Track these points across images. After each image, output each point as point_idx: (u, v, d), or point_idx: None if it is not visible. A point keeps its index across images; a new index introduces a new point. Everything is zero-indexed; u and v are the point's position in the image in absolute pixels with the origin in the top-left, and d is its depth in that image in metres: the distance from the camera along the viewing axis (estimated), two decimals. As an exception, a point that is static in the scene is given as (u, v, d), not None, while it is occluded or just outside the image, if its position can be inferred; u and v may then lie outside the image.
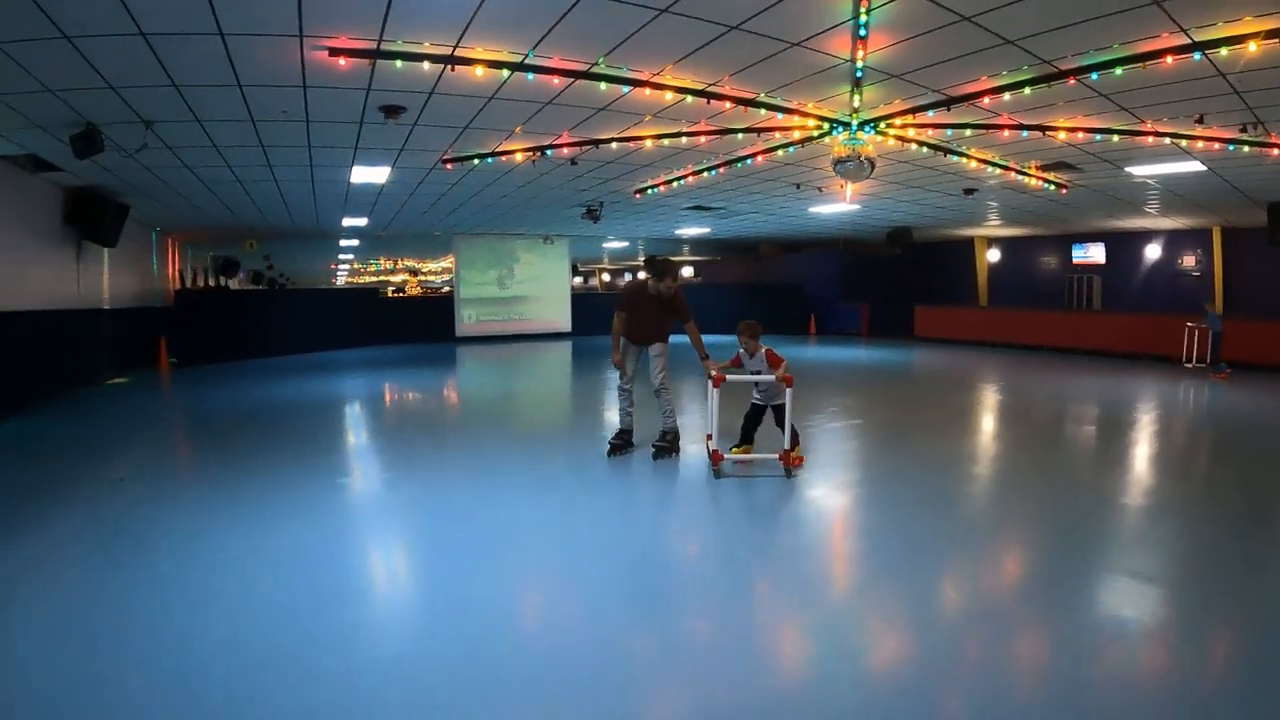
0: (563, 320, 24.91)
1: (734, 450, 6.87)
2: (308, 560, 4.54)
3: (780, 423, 6.72)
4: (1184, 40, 5.79)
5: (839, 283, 24.79)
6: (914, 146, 9.47)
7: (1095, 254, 19.65)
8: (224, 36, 5.60)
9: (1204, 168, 10.10)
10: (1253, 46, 5.66)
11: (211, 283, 27.59)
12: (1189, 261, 17.54)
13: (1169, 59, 5.99)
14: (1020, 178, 11.31)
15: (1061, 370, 14.25)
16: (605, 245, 27.32)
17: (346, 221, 17.33)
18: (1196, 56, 5.93)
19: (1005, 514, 5.68)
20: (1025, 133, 8.56)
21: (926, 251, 22.99)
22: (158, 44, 5.68)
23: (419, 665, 3.26)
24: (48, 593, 4.13)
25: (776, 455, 6.56)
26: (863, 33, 5.61)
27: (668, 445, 7.20)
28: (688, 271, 37.15)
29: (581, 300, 26.08)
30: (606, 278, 44.93)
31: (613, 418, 8.37)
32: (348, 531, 5.19)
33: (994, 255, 22.43)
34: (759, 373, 6.72)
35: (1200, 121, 7.80)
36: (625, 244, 26.97)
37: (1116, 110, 7.79)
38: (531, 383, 14.25)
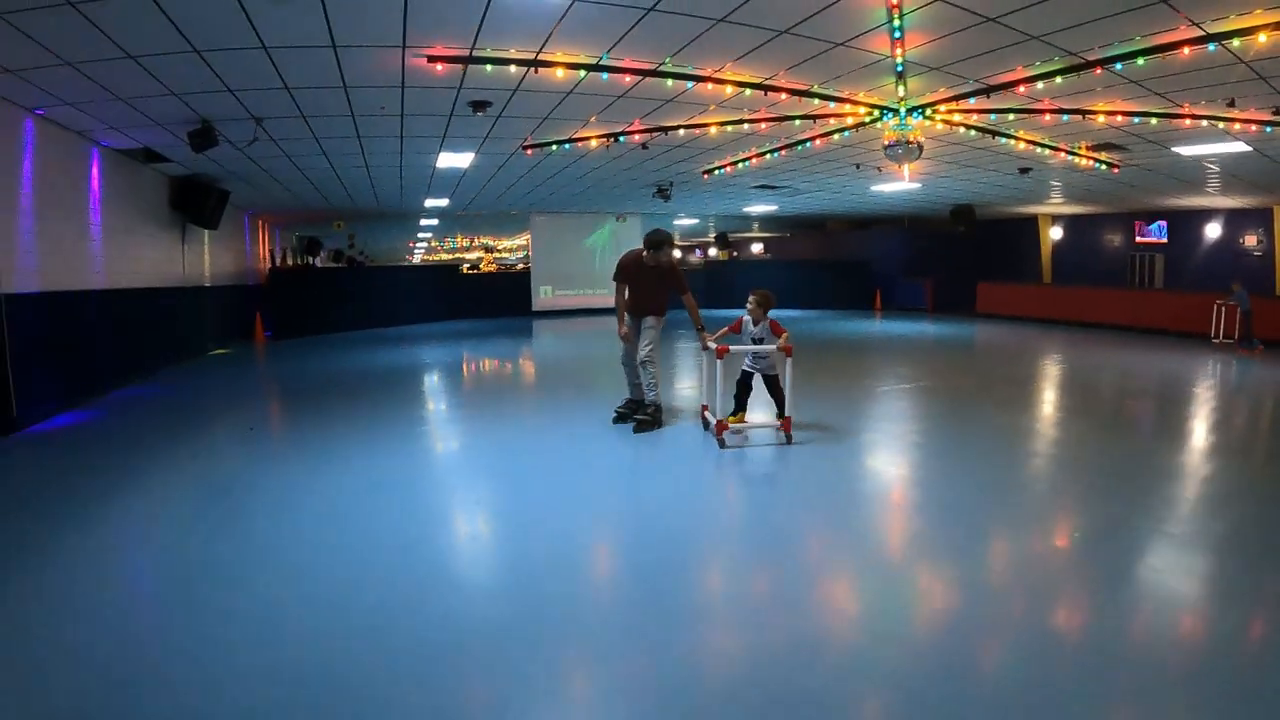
0: (635, 295, 25.58)
1: (729, 419, 6.78)
2: (391, 474, 5.77)
3: (773, 391, 6.83)
4: (1199, 33, 6.23)
5: (904, 259, 24.94)
6: (962, 130, 9.95)
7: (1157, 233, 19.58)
8: (336, 49, 6.51)
9: (1248, 148, 10.29)
10: (1263, 38, 6.06)
11: (295, 261, 29.25)
12: (1251, 241, 17.29)
13: (1186, 50, 6.43)
14: (1071, 158, 11.62)
15: (1099, 345, 14.48)
16: (676, 223, 27.95)
17: (429, 202, 18.38)
18: (1211, 47, 6.35)
19: (1029, 463, 6.36)
20: (1065, 117, 8.99)
21: (990, 229, 22.98)
22: (277, 55, 6.59)
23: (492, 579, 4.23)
24: (209, 506, 5.39)
25: (779, 424, 6.65)
26: (898, 34, 6.23)
27: (650, 419, 7.20)
28: (757, 248, 37.51)
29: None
30: (677, 254, 45.29)
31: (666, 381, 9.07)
32: (425, 464, 6.27)
33: (1058, 233, 22.30)
34: (761, 340, 6.82)
35: (1232, 105, 8.13)
36: (696, 221, 27.59)
37: (1151, 95, 8.17)
38: (595, 351, 15.17)
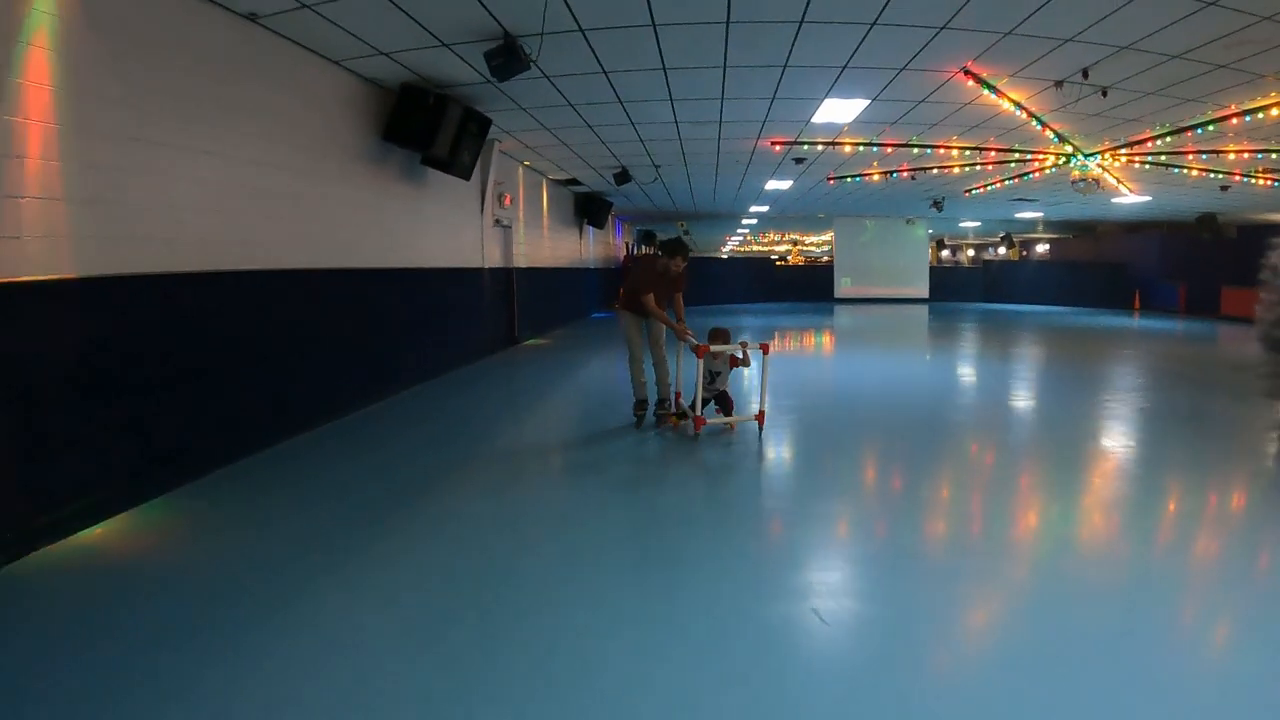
0: (922, 288, 28.14)
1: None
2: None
3: (723, 405, 7.00)
4: (1238, 110, 9.43)
5: (1159, 262, 25.12)
6: (1136, 165, 13.07)
7: None
8: (720, 140, 11.68)
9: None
10: (1275, 111, 9.18)
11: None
12: None
13: (1235, 119, 9.62)
14: (1246, 180, 13.89)
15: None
16: (960, 225, 30.14)
17: (753, 208, 22.68)
18: (1248, 118, 9.50)
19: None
20: (1204, 155, 11.96)
21: (1241, 234, 22.72)
22: (686, 142, 11.67)
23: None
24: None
25: (754, 416, 6.89)
26: (1039, 125, 10.20)
27: (681, 410, 7.27)
28: (1042, 248, 37.84)
29: (939, 271, 29.43)
30: (971, 253, 45.75)
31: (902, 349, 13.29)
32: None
33: (1306, 238, 21.22)
34: (719, 373, 7.04)
35: (1320, 145, 10.77)
36: (978, 223, 29.41)
37: (1267, 139, 10.98)
38: (879, 325, 19.25)
